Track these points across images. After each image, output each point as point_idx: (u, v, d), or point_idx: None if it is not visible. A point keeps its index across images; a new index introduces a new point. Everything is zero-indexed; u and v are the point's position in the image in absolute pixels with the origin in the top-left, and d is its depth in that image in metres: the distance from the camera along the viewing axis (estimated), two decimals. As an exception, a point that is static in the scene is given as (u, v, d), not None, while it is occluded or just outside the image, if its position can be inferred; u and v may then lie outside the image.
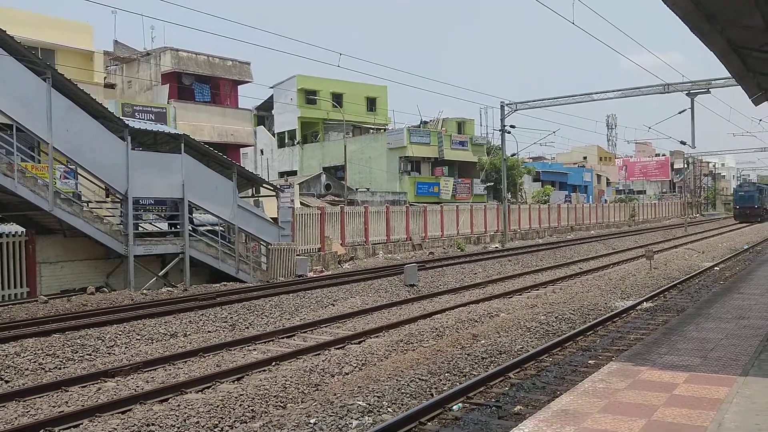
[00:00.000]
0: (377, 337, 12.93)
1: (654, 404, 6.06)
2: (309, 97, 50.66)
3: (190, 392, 9.21)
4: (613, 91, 37.19)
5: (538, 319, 13.86)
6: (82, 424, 7.85)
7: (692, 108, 35.72)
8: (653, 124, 63.51)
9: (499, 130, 41.07)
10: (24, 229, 19.08)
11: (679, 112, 37.53)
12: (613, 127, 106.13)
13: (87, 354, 11.68)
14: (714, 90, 34.34)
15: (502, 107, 40.28)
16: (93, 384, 9.72)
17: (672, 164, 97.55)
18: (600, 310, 15.17)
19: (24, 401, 8.86)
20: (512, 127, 40.78)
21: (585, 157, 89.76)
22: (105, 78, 31.42)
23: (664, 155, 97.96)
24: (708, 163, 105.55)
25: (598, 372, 7.36)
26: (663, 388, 6.60)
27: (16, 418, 8.17)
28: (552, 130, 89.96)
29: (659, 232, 49.87)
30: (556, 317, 14.06)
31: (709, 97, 35.34)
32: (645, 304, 15.80)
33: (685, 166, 71.72)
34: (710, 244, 35.58)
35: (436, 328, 13.23)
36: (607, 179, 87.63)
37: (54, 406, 8.64)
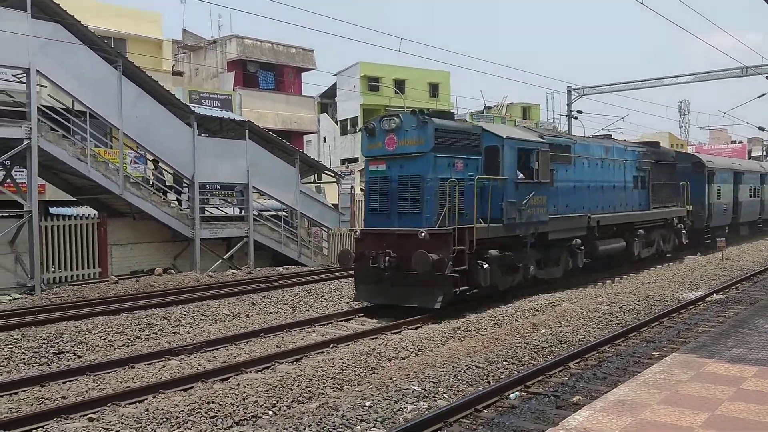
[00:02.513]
0: (434, 323, 12.88)
1: (718, 398, 5.81)
2: (371, 83, 50.73)
3: (250, 372, 9.41)
4: (687, 75, 35.72)
5: (602, 309, 13.51)
6: (146, 399, 8.13)
7: (772, 92, 33.97)
8: (729, 110, 60.12)
9: (566, 116, 40.12)
10: (96, 212, 19.87)
11: (758, 96, 35.71)
12: (686, 113, 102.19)
13: (153, 333, 12.08)
14: (796, 72, 32.50)
15: (568, 92, 39.32)
16: (158, 361, 10.04)
17: (749, 152, 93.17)
18: (666, 301, 14.66)
19: (94, 376, 9.25)
20: (579, 112, 39.70)
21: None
22: (173, 66, 32.27)
23: (740, 142, 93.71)
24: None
25: (659, 363, 7.13)
26: (729, 381, 6.33)
27: (86, 391, 8.54)
28: (620, 115, 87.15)
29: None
30: (620, 307, 13.67)
31: (791, 80, 33.44)
32: (715, 296, 15.22)
33: (764, 153, 68.39)
34: (789, 235, 33.88)
35: (495, 317, 13.07)
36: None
37: (121, 382, 8.98)
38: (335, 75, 52.58)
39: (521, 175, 14.75)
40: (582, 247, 17.21)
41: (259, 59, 34.32)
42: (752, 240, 30.24)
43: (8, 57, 16.12)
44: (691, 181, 24.20)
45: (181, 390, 8.48)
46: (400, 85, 49.72)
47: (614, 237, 19.16)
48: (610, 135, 22.52)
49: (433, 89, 54.12)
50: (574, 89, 39.21)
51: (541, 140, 15.60)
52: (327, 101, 56.21)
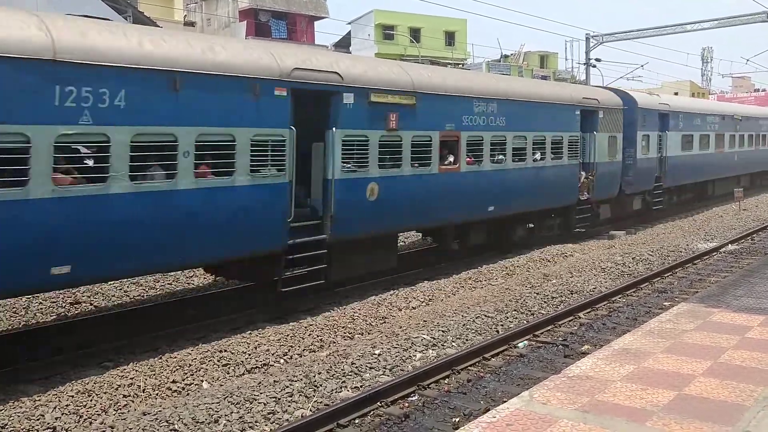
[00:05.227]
0: (446, 274, 12.93)
1: (723, 346, 5.84)
2: (386, 32, 49.87)
3: (262, 322, 9.55)
4: (709, 20, 34.66)
5: (614, 259, 13.48)
6: (160, 347, 8.29)
7: (797, 37, 32.94)
8: (752, 56, 58.20)
9: (584, 64, 39.35)
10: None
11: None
12: (709, 60, 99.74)
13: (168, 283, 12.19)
14: (824, 17, 31.42)
15: (587, 39, 38.43)
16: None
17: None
18: (681, 251, 14.57)
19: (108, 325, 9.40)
20: (598, 60, 38.92)
21: (676, 93, 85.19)
22: (185, 16, 31.91)
23: (764, 90, 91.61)
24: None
25: (666, 312, 7.15)
26: (735, 330, 6.34)
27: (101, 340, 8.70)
28: (640, 63, 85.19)
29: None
30: (633, 258, 13.62)
31: (818, 25, 32.39)
32: (730, 246, 15.12)
33: (788, 101, 66.64)
34: (809, 184, 33.35)
35: (507, 267, 13.11)
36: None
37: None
38: (349, 24, 51.72)
39: None
40: None
41: (271, 8, 33.87)
42: None
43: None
44: None
45: (195, 339, 8.64)
46: (415, 34, 48.85)
47: None
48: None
49: (449, 37, 53.09)
50: (592, 36, 38.33)
51: None
52: (342, 51, 55.44)
